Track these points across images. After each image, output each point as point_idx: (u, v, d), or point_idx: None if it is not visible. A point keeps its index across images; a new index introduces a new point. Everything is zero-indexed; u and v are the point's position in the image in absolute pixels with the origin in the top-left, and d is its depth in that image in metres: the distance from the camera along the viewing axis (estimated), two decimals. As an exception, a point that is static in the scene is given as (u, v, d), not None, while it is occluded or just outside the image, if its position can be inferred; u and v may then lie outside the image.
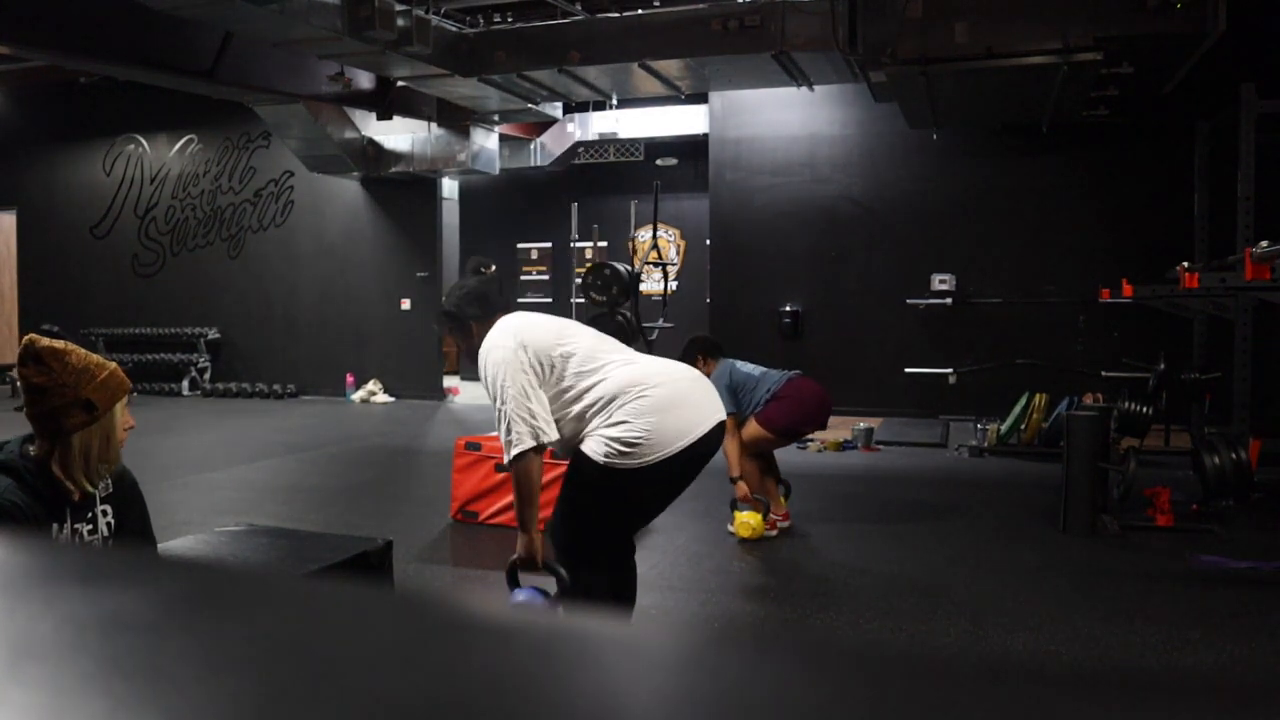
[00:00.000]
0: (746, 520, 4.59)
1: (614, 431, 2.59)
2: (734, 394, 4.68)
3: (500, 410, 2.58)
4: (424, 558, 4.49)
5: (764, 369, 4.88)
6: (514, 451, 2.56)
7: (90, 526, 2.13)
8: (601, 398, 2.62)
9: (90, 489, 2.10)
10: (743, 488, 4.61)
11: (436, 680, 0.31)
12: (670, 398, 2.62)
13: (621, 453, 2.57)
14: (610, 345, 2.78)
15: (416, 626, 0.36)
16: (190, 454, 7.46)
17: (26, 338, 2.06)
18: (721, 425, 2.75)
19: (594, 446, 2.61)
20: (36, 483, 2.02)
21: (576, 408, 2.64)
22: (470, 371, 3.01)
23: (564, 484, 2.74)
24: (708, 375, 4.74)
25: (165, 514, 5.35)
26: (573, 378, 2.64)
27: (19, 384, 2.03)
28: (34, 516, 2.00)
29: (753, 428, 4.70)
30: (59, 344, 2.05)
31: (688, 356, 4.88)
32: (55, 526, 2.05)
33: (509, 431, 2.56)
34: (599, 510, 2.70)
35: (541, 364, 2.62)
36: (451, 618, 0.38)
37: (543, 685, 0.31)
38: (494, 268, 3.00)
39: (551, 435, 2.59)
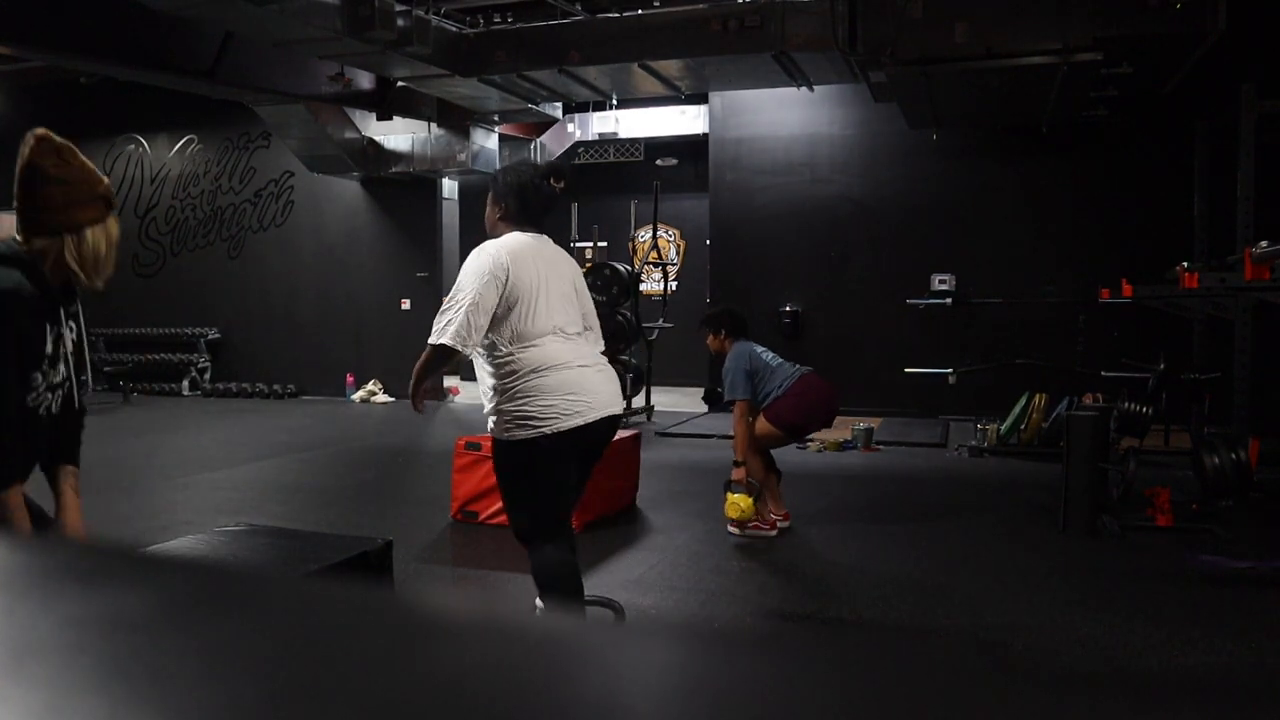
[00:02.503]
0: (736, 501, 4.65)
1: (508, 406, 2.85)
2: (750, 379, 4.68)
3: (451, 302, 2.84)
4: (424, 558, 4.49)
5: (781, 360, 4.85)
6: (439, 340, 2.82)
7: (69, 333, 2.12)
8: (509, 367, 2.86)
9: (99, 286, 2.08)
10: (741, 471, 4.65)
11: (437, 680, 0.31)
12: (563, 384, 2.84)
13: (518, 425, 2.84)
14: (550, 323, 2.91)
15: (416, 626, 0.36)
16: (190, 454, 7.46)
17: (40, 130, 2.01)
18: (612, 419, 2.96)
19: (495, 425, 2.90)
20: (40, 278, 1.99)
21: (490, 366, 2.91)
22: (470, 372, 3.17)
23: (495, 475, 3.02)
24: (724, 351, 4.76)
25: (165, 514, 5.36)
26: (501, 333, 2.87)
27: (27, 175, 1.96)
28: (42, 310, 1.98)
29: (761, 424, 4.72)
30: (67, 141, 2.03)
31: (712, 324, 4.89)
32: (48, 327, 2.03)
33: (448, 322, 2.81)
34: (527, 482, 2.91)
35: (505, 295, 2.85)
36: (451, 618, 0.38)
37: (543, 685, 0.31)
38: (563, 184, 3.05)
39: (469, 352, 2.85)
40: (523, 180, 3.03)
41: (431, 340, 2.86)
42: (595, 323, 3.13)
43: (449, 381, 11.32)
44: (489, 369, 2.91)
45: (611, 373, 3.05)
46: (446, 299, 2.89)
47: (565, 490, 2.99)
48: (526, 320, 2.86)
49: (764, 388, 4.70)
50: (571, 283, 3.05)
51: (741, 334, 4.86)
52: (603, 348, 3.14)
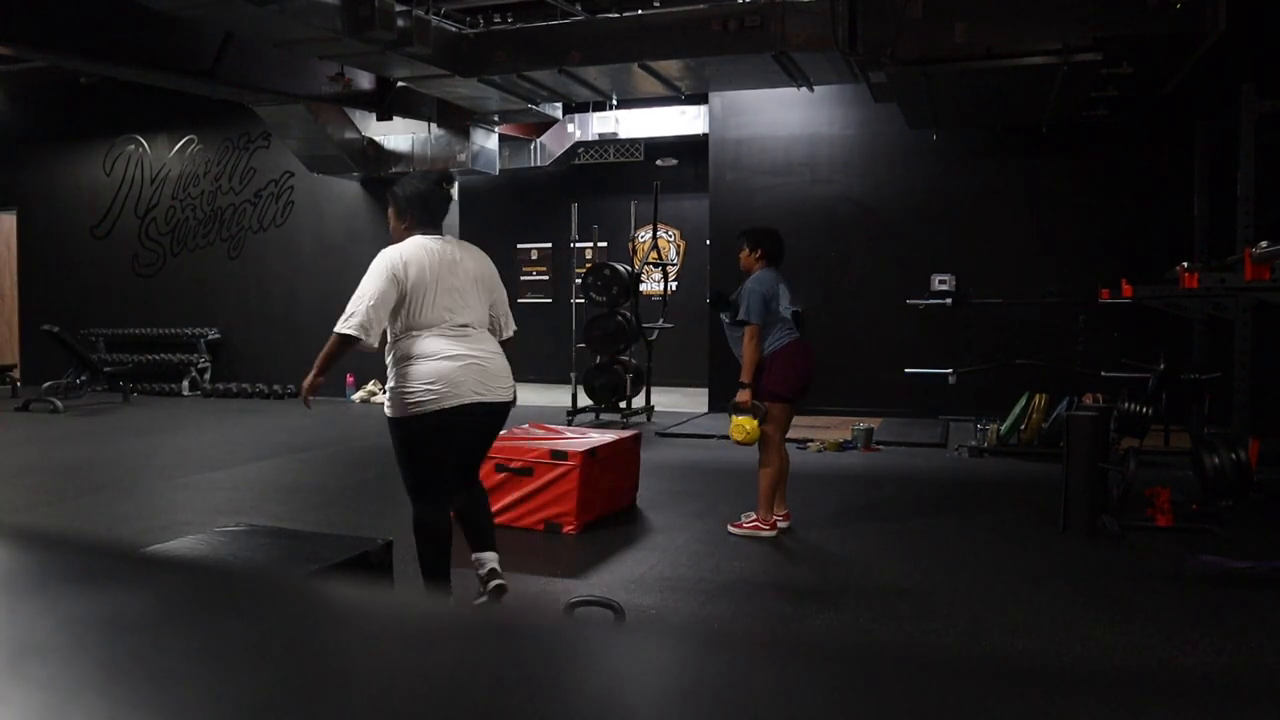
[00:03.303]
0: (741, 424, 4.66)
1: (392, 386, 3.30)
2: (765, 304, 4.71)
3: (356, 299, 3.27)
4: (424, 558, 4.48)
5: (789, 311, 4.85)
6: (343, 330, 3.24)
7: None
8: (394, 354, 3.31)
9: None
10: (746, 394, 4.67)
11: (437, 680, 0.31)
12: (424, 374, 3.23)
13: (398, 404, 3.27)
14: (435, 317, 3.28)
15: (416, 626, 0.36)
16: (190, 454, 7.46)
17: None
18: (479, 406, 3.29)
19: (386, 403, 3.34)
20: None
21: (387, 353, 3.36)
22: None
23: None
24: (751, 271, 4.86)
25: (165, 514, 5.35)
26: (394, 325, 3.31)
27: None
28: None
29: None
30: None
31: (751, 238, 5.00)
32: None
33: (351, 314, 3.25)
34: (407, 452, 3.34)
35: (401, 292, 3.27)
36: (451, 618, 0.38)
37: (543, 685, 0.31)
38: (454, 187, 3.39)
39: (371, 344, 3.27)
40: (422, 190, 3.44)
41: (336, 329, 3.26)
42: (502, 311, 3.52)
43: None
44: (387, 355, 3.36)
45: (493, 364, 3.37)
46: (353, 298, 3.28)
47: (440, 462, 3.37)
48: (414, 314, 3.27)
49: (770, 326, 4.73)
50: (472, 278, 3.39)
51: (774, 263, 4.92)
52: (506, 336, 3.52)
